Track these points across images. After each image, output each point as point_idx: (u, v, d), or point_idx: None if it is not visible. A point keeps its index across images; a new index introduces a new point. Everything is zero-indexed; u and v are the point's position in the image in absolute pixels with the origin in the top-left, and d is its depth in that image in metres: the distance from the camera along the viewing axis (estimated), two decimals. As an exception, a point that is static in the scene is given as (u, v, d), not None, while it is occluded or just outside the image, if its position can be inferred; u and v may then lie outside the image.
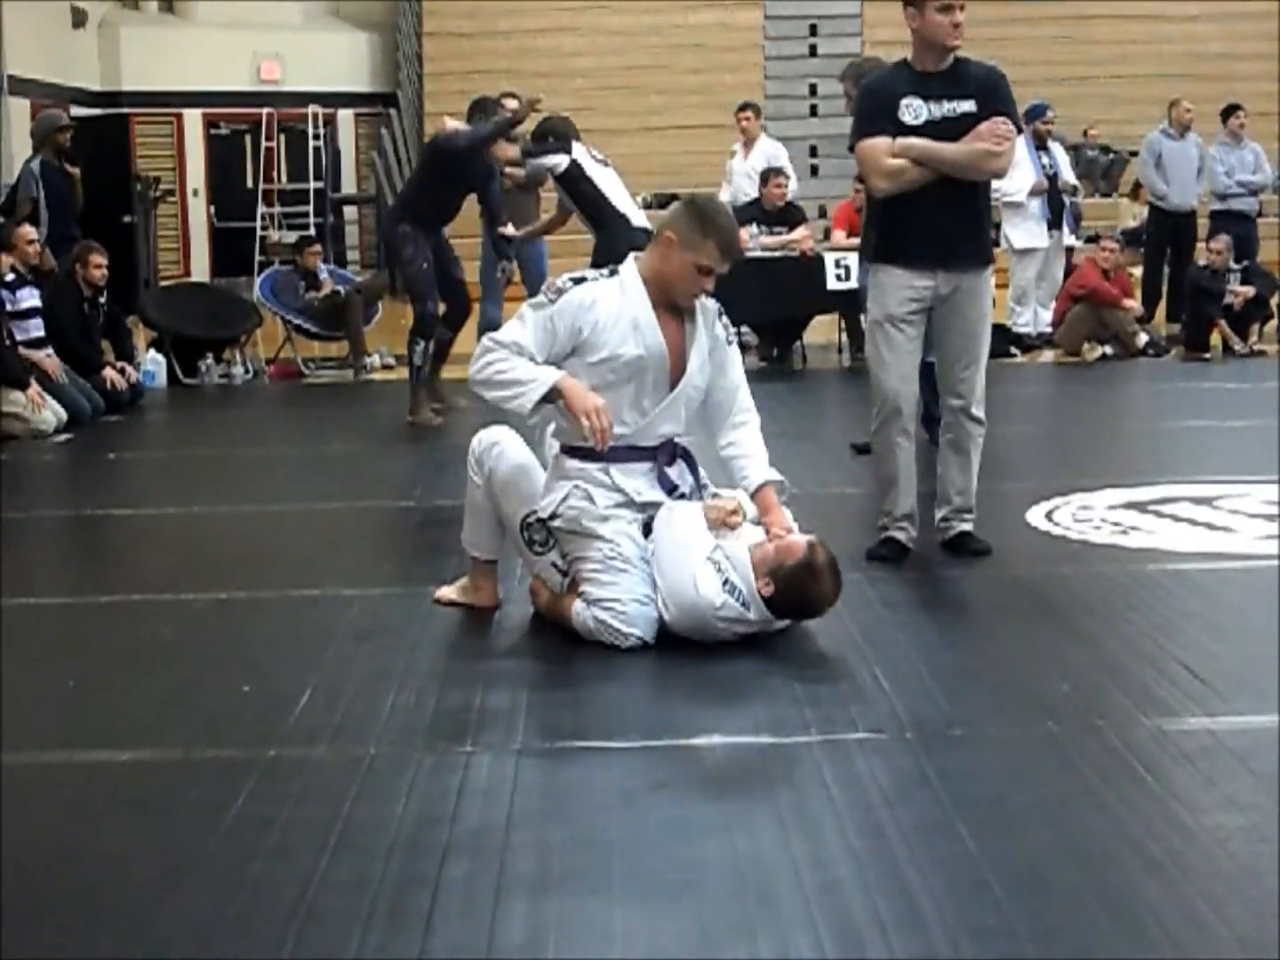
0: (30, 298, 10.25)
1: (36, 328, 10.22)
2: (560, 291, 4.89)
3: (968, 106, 5.70)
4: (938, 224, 5.69)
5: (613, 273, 5.00)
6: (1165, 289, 14.09)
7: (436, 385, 9.93)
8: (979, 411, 5.91)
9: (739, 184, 13.61)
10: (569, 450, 4.96)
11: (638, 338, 4.89)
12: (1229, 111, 14.07)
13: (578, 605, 4.88)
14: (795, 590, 4.74)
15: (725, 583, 4.72)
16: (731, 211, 5.23)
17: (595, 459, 4.89)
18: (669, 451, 5.03)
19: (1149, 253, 14.48)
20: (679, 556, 4.79)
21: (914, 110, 5.69)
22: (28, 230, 10.69)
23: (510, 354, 4.85)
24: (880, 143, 5.70)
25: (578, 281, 4.94)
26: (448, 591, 5.36)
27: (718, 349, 5.07)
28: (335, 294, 12.95)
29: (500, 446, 5.07)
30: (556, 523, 4.94)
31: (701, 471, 5.13)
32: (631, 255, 5.09)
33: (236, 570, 6.15)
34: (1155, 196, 14.21)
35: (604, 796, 3.70)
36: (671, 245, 4.90)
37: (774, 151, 13.63)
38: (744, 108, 13.89)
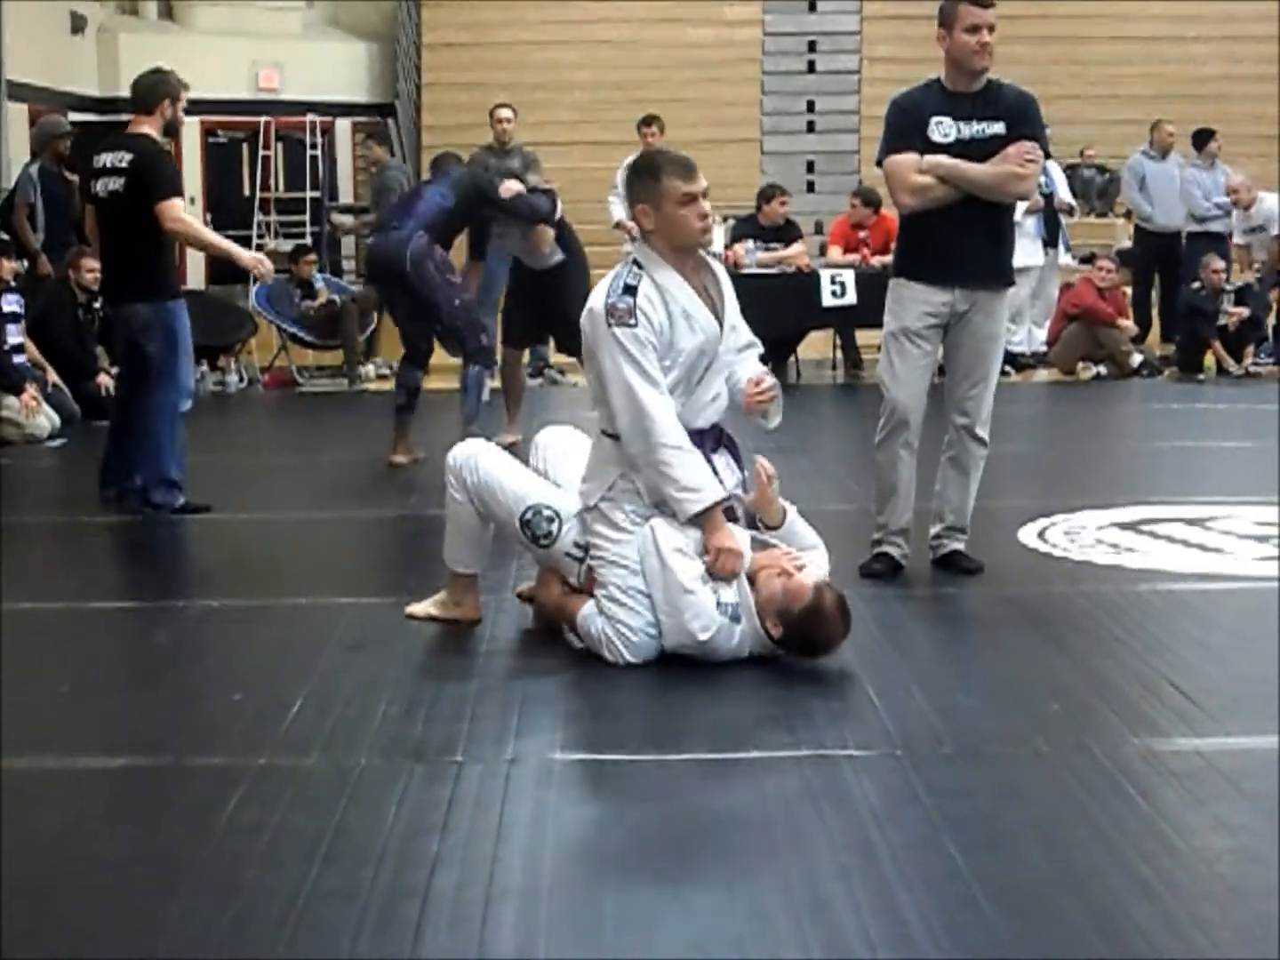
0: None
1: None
2: (631, 311, 4.76)
3: (997, 128, 5.72)
4: (960, 242, 5.71)
5: (638, 264, 4.86)
6: (1156, 309, 14.14)
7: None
8: (983, 432, 5.90)
9: None
10: (613, 435, 4.87)
11: (693, 325, 4.84)
12: (1202, 135, 14.08)
13: (589, 609, 4.84)
14: (803, 634, 4.74)
15: (719, 604, 4.71)
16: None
17: None
18: (715, 437, 4.99)
19: (1137, 274, 14.52)
20: (673, 586, 4.74)
21: (943, 129, 5.71)
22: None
23: (681, 438, 4.76)
24: (908, 159, 5.72)
25: (629, 290, 4.79)
26: (423, 607, 5.30)
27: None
28: (330, 303, 12.97)
29: (477, 458, 5.05)
30: (602, 506, 4.82)
31: (746, 471, 5.04)
32: (635, 246, 5.02)
33: (229, 578, 6.15)
34: (1140, 218, 14.27)
35: (593, 808, 3.71)
36: (648, 214, 4.85)
37: None
38: (648, 121, 12.78)
